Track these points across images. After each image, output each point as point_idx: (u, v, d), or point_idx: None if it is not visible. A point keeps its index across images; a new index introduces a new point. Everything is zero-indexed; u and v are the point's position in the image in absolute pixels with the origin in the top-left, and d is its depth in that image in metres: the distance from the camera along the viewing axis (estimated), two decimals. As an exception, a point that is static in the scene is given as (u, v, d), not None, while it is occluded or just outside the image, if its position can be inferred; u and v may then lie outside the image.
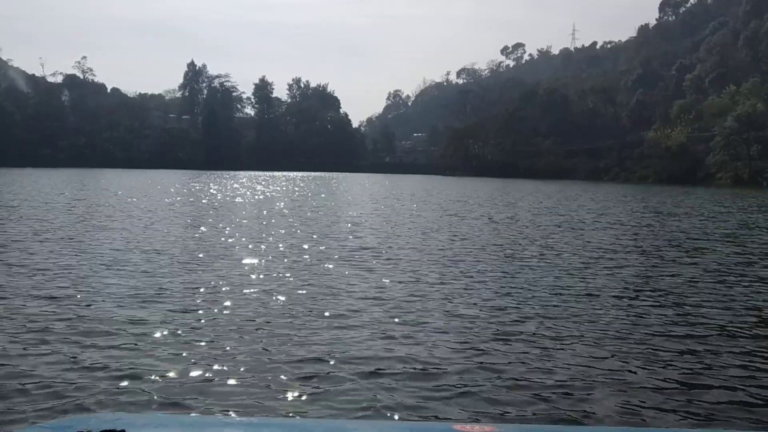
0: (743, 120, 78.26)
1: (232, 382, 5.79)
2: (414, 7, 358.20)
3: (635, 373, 6.31)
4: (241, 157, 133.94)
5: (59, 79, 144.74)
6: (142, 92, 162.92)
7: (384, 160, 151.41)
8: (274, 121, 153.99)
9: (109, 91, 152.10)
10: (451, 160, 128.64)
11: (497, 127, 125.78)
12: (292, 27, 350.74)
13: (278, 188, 52.04)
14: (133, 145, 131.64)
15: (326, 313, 8.37)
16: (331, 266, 12.21)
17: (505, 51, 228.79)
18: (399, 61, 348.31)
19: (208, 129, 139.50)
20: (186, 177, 74.12)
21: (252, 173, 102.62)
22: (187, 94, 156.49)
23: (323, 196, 41.83)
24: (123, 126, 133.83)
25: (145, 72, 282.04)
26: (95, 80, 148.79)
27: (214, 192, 42.33)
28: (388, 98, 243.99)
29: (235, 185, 55.51)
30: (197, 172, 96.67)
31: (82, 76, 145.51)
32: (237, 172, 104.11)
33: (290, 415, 5.07)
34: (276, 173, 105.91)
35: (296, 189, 51.13)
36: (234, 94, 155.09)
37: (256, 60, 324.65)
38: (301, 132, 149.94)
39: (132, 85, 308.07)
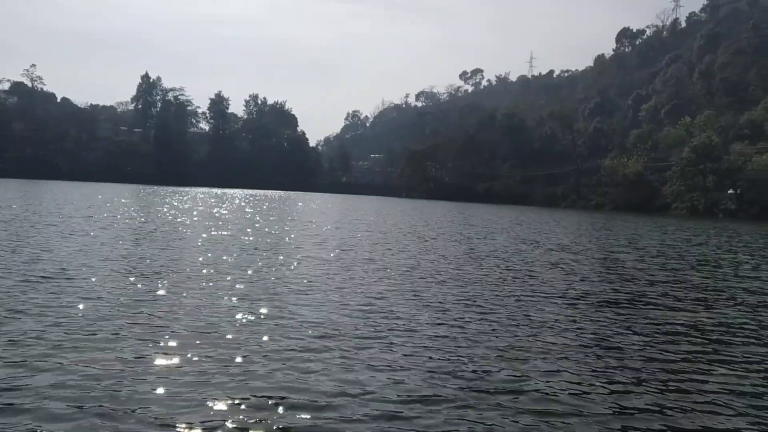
0: (699, 151, 78.64)
1: None
2: (376, 29, 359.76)
3: None
4: (193, 172, 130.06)
5: (6, 86, 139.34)
6: (94, 103, 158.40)
7: (341, 180, 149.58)
8: (229, 137, 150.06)
9: (59, 100, 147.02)
10: (408, 181, 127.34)
11: (456, 149, 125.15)
12: (251, 42, 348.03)
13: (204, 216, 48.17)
14: (80, 157, 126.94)
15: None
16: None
17: (463, 76, 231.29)
18: (358, 82, 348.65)
19: (160, 143, 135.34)
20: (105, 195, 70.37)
21: (202, 189, 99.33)
22: (140, 106, 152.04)
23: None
24: (70, 137, 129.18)
25: (98, 84, 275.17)
26: (44, 89, 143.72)
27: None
28: (346, 118, 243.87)
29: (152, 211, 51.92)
30: (142, 187, 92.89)
31: (30, 85, 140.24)
32: (187, 188, 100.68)
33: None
34: (229, 190, 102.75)
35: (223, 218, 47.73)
36: (188, 108, 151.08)
37: (213, 75, 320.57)
38: (257, 149, 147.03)
39: (85, 97, 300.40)
